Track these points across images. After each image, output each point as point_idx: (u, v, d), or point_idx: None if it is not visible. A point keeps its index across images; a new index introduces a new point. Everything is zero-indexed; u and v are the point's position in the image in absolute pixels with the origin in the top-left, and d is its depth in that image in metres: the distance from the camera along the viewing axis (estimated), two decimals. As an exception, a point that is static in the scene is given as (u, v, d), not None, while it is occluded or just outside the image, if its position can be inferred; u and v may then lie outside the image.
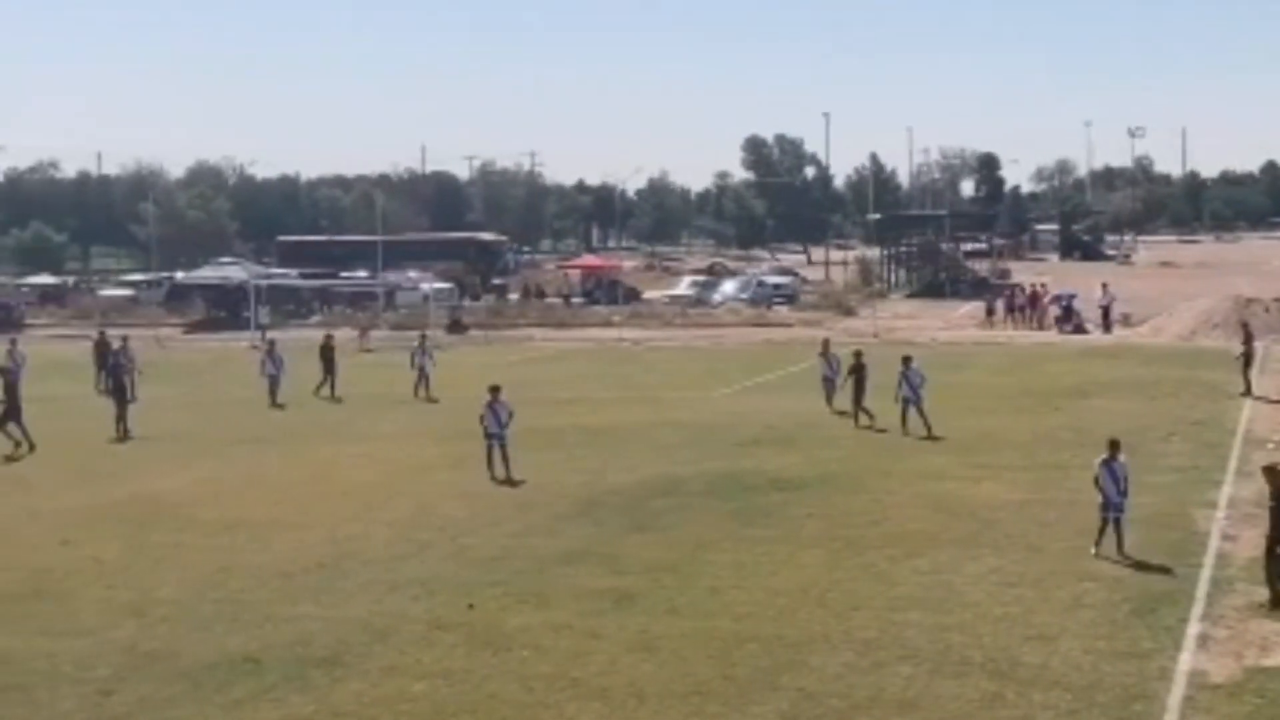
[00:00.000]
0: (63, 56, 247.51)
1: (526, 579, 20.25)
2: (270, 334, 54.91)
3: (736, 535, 22.53)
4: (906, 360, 31.84)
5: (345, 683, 16.01)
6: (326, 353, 41.75)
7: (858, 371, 33.25)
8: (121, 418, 34.39)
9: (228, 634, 17.92)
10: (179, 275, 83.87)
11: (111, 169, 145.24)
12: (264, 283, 70.81)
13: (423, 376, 40.27)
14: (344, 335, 52.05)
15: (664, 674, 16.04)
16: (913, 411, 31.27)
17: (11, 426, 31.81)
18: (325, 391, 40.85)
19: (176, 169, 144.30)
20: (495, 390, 28.12)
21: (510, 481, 27.01)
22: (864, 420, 32.61)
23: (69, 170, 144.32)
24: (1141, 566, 19.97)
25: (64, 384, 43.12)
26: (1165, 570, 19.83)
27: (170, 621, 18.55)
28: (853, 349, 35.23)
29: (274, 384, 39.63)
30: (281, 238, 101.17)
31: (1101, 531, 20.63)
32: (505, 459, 27.44)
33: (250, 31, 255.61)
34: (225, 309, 70.50)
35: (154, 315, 72.21)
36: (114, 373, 36.44)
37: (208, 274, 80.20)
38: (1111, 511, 20.62)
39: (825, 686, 15.47)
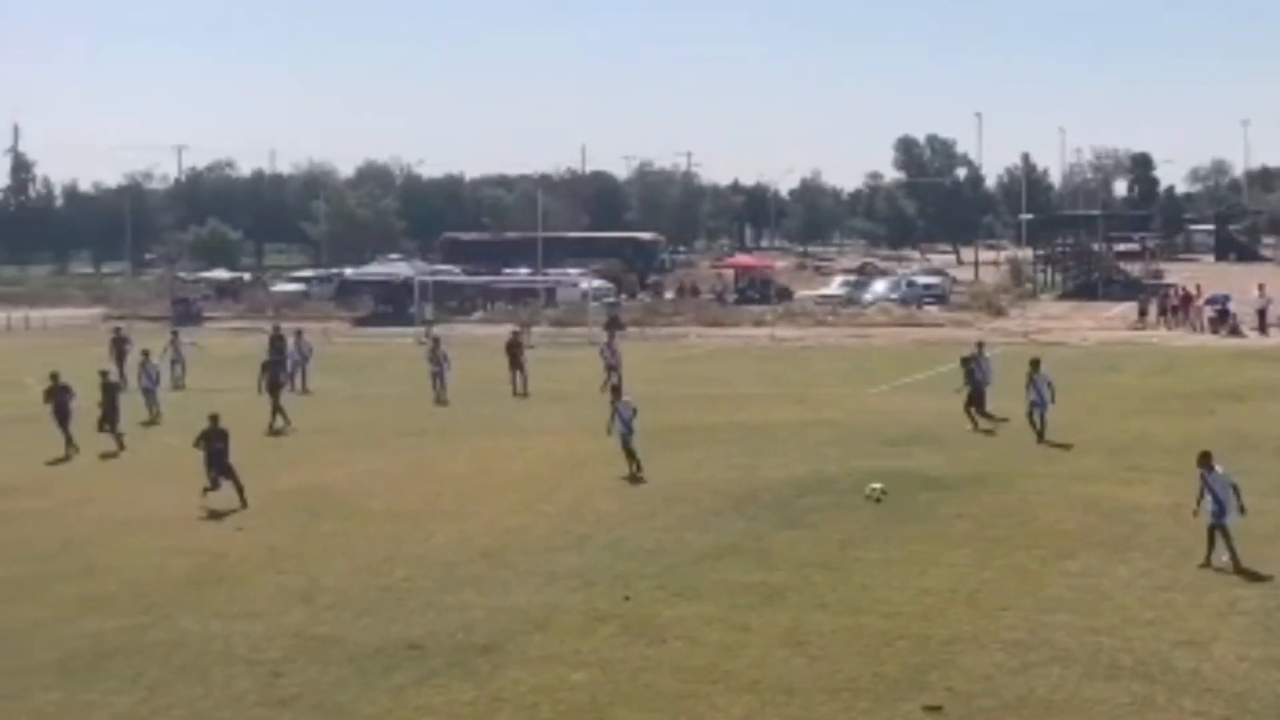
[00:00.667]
0: (239, 59, 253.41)
1: (680, 572, 20.32)
2: (434, 330, 55.61)
3: (885, 533, 22.36)
4: (1035, 364, 31.07)
5: (506, 670, 16.20)
6: (513, 350, 41.70)
7: (970, 378, 32.83)
8: (277, 410, 34.91)
9: (392, 621, 18.24)
10: (348, 271, 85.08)
11: (284, 168, 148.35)
12: (429, 279, 71.76)
13: (612, 372, 40.27)
14: (504, 332, 52.53)
15: (813, 669, 16.00)
16: (1039, 415, 30.50)
17: (107, 426, 32.09)
18: (514, 387, 40.75)
19: (346, 168, 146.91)
20: (616, 391, 28.33)
21: (635, 478, 27.00)
22: (978, 423, 32.12)
23: (244, 169, 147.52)
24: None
25: (239, 377, 44.01)
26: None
27: (338, 608, 18.92)
28: (961, 355, 34.60)
29: (438, 379, 39.96)
30: (446, 235, 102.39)
31: (1210, 543, 20.04)
32: (631, 455, 27.54)
33: (418, 34, 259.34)
34: (392, 304, 71.48)
35: (324, 310, 73.41)
36: (271, 368, 36.78)
37: (375, 270, 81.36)
38: (1213, 520, 20.04)
39: (974, 686, 15.31)
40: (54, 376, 32.19)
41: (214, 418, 26.06)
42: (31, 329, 68.39)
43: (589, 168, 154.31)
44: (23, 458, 30.50)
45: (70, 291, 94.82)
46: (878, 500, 19.72)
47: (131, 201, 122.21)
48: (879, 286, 78.15)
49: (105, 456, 31.17)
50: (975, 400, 32.55)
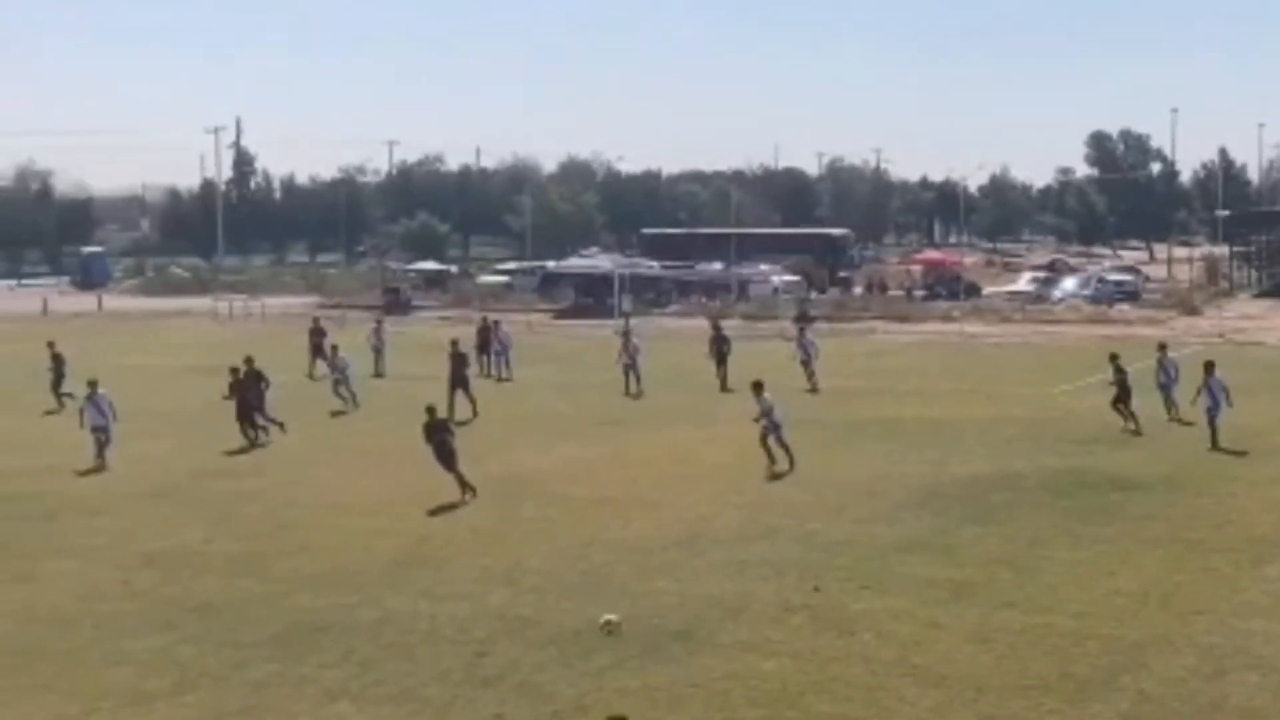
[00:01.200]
0: (447, 57, 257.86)
1: (868, 565, 20.15)
2: (627, 323, 55.67)
3: (1074, 533, 21.88)
4: (1209, 367, 29.67)
5: (699, 656, 16.23)
6: (717, 344, 41.34)
7: (1119, 375, 31.79)
8: (463, 400, 34.79)
9: (591, 604, 18.37)
10: (550, 264, 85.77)
11: (490, 163, 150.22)
12: (628, 273, 72.05)
13: (807, 367, 39.80)
14: (698, 325, 52.59)
15: (1002, 667, 15.73)
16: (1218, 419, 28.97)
17: (257, 416, 31.87)
18: (722, 381, 40.04)
19: (549, 164, 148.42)
20: (758, 386, 28.05)
21: (777, 473, 26.73)
22: (1131, 424, 31.15)
23: (452, 164, 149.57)
24: None
25: (442, 365, 44.58)
26: None
27: (539, 590, 19.14)
28: (1110, 352, 33.45)
29: (630, 372, 39.49)
30: (644, 230, 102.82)
31: None
32: (785, 449, 27.27)
33: (617, 33, 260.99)
34: (592, 297, 71.88)
35: (527, 302, 74.05)
36: (455, 360, 36.31)
37: (576, 264, 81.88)
38: None
39: (1166, 690, 14.89)
40: (234, 371, 32.25)
41: (430, 410, 25.80)
42: (251, 316, 70.40)
43: (781, 164, 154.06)
44: (240, 440, 31.29)
45: (287, 280, 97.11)
46: (609, 633, 17.47)
47: (345, 194, 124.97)
48: (1069, 283, 76.29)
49: (270, 442, 31.87)
50: (1122, 398, 31.62)
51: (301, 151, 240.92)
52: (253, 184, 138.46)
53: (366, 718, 14.70)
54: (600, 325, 60.40)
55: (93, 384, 30.04)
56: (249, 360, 33.06)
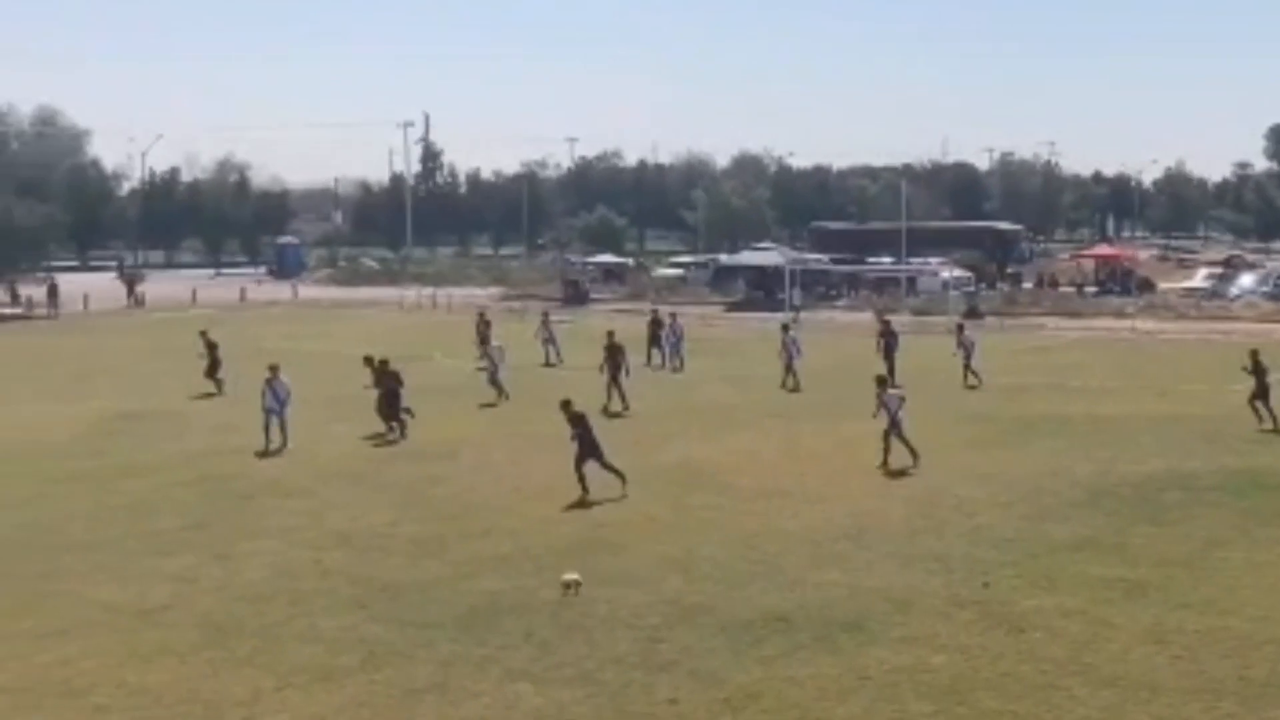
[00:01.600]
0: (625, 56, 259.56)
1: (1039, 563, 19.71)
2: (787, 318, 55.22)
3: (1251, 534, 21.14)
4: None
5: (868, 648, 16.05)
6: (885, 338, 40.84)
7: (1257, 372, 30.60)
8: (615, 391, 34.44)
9: (762, 593, 18.29)
10: (722, 258, 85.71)
11: (665, 159, 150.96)
12: (798, 267, 71.68)
13: (968, 358, 39.04)
14: (867, 319, 52.12)
15: (1176, 668, 15.26)
16: None
17: (390, 413, 31.15)
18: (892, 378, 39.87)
19: (722, 159, 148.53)
20: (882, 381, 27.76)
21: (900, 472, 26.14)
22: (1263, 419, 30.09)
23: (630, 159, 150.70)
24: None
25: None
26: None
27: (711, 579, 19.08)
28: (1249, 349, 32.14)
29: (789, 368, 38.96)
30: (814, 224, 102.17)
31: None
32: (905, 444, 26.66)
33: (788, 30, 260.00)
34: (763, 290, 71.69)
35: (700, 294, 74.20)
36: (609, 352, 35.52)
37: (748, 257, 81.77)
38: None
39: (1346, 697, 14.32)
40: (384, 363, 32.11)
41: (565, 404, 25.11)
42: (437, 306, 71.63)
43: (950, 158, 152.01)
44: (431, 425, 31.65)
45: (471, 272, 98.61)
46: (573, 590, 18.26)
47: (527, 189, 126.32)
48: (1246, 280, 73.85)
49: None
50: (1259, 395, 30.48)
51: (486, 147, 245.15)
52: (439, 178, 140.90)
53: (545, 699, 14.79)
54: (771, 318, 60.08)
55: (273, 368, 30.32)
56: (384, 361, 32.41)
